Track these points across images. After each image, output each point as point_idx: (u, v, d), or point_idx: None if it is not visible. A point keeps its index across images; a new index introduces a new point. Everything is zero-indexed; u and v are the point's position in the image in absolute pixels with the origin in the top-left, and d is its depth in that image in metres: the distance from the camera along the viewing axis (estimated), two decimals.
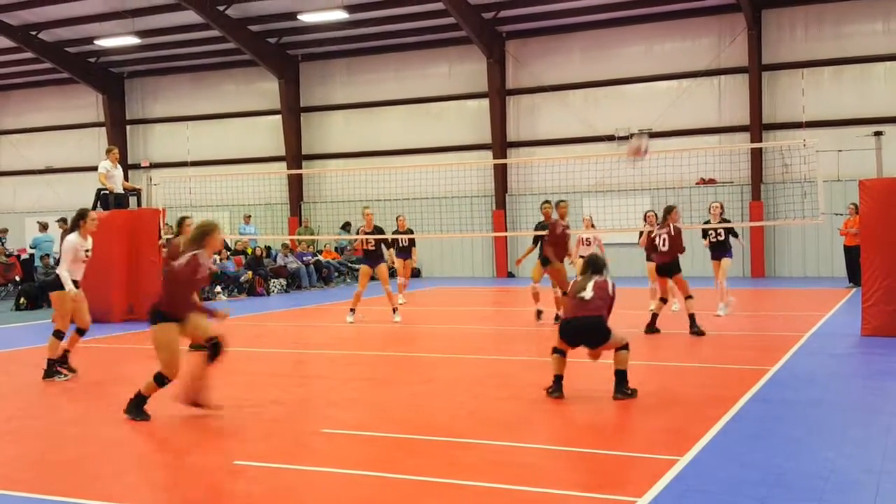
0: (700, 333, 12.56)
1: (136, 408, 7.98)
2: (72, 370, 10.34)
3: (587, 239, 17.90)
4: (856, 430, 7.26)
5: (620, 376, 8.52)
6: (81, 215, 10.58)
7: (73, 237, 10.41)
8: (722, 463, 6.22)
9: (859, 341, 12.05)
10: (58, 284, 10.27)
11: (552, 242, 14.25)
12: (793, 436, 6.99)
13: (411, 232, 19.35)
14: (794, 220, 16.64)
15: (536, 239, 14.95)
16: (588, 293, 8.52)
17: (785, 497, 5.45)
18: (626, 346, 8.57)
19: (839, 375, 9.86)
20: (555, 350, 8.64)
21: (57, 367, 10.23)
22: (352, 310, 15.24)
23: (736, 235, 15.46)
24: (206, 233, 8.11)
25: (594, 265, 8.88)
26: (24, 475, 6.34)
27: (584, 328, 8.50)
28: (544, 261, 14.48)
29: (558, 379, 8.57)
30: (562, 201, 14.55)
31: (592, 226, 19.70)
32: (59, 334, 10.27)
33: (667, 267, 13.22)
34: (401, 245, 18.49)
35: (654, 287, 14.56)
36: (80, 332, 10.52)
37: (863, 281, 12.58)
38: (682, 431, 7.11)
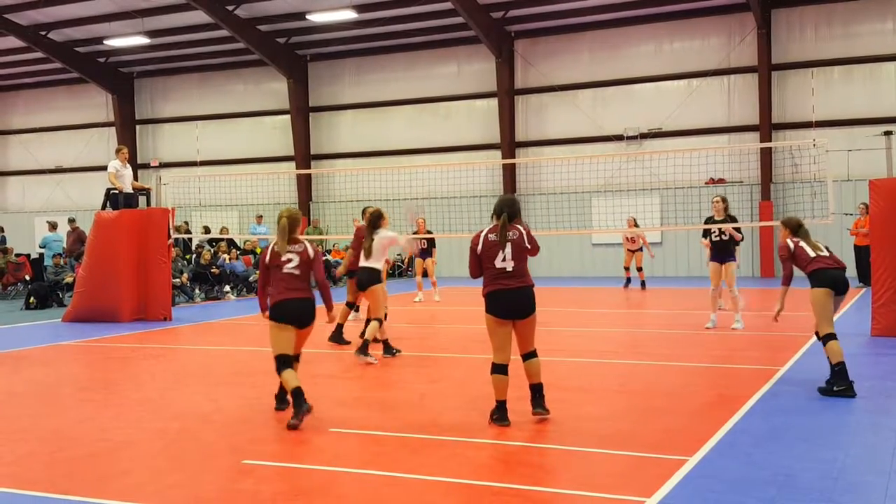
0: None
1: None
2: None
3: (632, 238, 18.61)
4: (865, 430, 7.24)
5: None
6: None
7: None
8: (731, 463, 6.21)
9: (869, 341, 12.01)
10: None
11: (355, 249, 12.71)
12: (802, 436, 6.97)
13: (430, 233, 19.72)
14: (804, 221, 16.58)
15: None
16: (508, 262, 7.42)
17: (794, 497, 5.43)
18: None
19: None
20: (493, 368, 7.52)
21: None
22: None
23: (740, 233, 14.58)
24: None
25: (506, 206, 7.62)
26: (33, 474, 6.36)
27: (514, 300, 7.43)
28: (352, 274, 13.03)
29: (501, 405, 7.49)
30: (367, 207, 12.51)
31: (636, 225, 20.17)
32: None
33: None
34: (421, 247, 19.00)
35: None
36: None
37: (873, 281, 12.54)
38: (691, 431, 7.10)
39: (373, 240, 11.37)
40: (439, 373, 10.56)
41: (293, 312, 7.78)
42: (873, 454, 6.43)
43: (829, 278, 8.69)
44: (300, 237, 8.10)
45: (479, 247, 7.57)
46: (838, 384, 8.40)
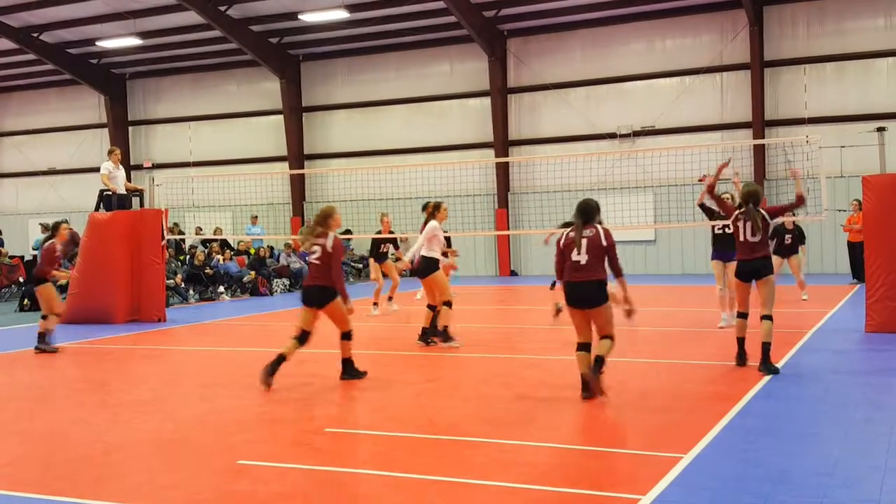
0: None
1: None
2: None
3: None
4: (860, 426, 7.26)
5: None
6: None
7: None
8: (726, 460, 6.22)
9: (863, 337, 12.04)
10: None
11: None
12: (797, 432, 6.99)
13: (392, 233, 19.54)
14: (797, 217, 16.63)
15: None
16: (582, 256, 8.19)
17: (789, 493, 5.44)
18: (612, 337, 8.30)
19: (843, 372, 9.84)
20: (577, 347, 8.37)
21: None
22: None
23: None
24: (328, 215, 9.61)
25: (584, 213, 8.41)
26: (29, 476, 6.35)
27: (581, 291, 8.21)
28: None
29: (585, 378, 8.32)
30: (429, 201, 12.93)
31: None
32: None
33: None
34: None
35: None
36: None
37: (866, 277, 12.57)
38: (687, 428, 7.11)
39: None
40: (435, 373, 10.56)
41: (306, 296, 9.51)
42: (868, 450, 6.44)
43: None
44: (329, 231, 9.46)
45: (562, 242, 8.51)
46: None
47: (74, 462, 6.67)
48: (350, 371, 9.71)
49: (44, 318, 12.88)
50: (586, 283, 8.18)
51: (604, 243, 8.22)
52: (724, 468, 6.02)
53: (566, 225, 9.56)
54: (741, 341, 9.79)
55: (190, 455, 6.87)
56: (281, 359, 9.22)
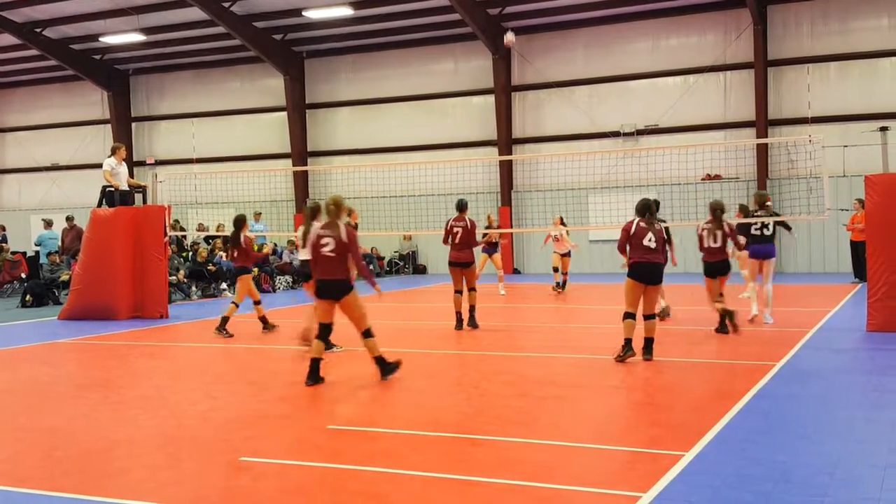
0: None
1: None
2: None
3: (558, 239, 18.80)
4: (861, 425, 7.26)
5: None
6: None
7: None
8: (727, 458, 6.23)
9: (865, 337, 12.04)
10: None
11: None
12: (798, 431, 6.99)
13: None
14: (800, 216, 16.63)
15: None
16: (652, 242, 10.24)
17: (790, 492, 5.45)
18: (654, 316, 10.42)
19: (844, 371, 9.85)
20: (625, 315, 10.23)
21: None
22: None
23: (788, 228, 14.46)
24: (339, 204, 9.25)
25: (649, 209, 10.40)
26: (30, 472, 6.36)
27: (650, 271, 10.24)
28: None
29: (628, 342, 10.16)
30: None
31: (563, 224, 19.60)
32: None
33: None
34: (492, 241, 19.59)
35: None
36: None
37: (868, 276, 12.56)
38: (688, 427, 7.11)
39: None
40: (437, 370, 10.56)
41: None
42: (869, 449, 6.44)
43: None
44: (338, 221, 9.17)
45: (633, 230, 10.34)
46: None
47: (76, 458, 6.69)
48: (385, 368, 9.37)
49: (235, 304, 13.88)
50: (655, 265, 10.27)
51: (663, 236, 10.50)
52: (726, 466, 6.03)
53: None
54: (728, 313, 11.97)
55: (192, 452, 6.88)
56: (316, 363, 9.22)
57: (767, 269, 13.37)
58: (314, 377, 9.16)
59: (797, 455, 6.26)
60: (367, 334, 9.28)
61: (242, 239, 13.85)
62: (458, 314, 13.82)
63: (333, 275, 9.08)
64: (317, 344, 9.30)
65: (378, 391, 9.09)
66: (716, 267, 12.52)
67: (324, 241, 9.07)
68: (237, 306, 13.94)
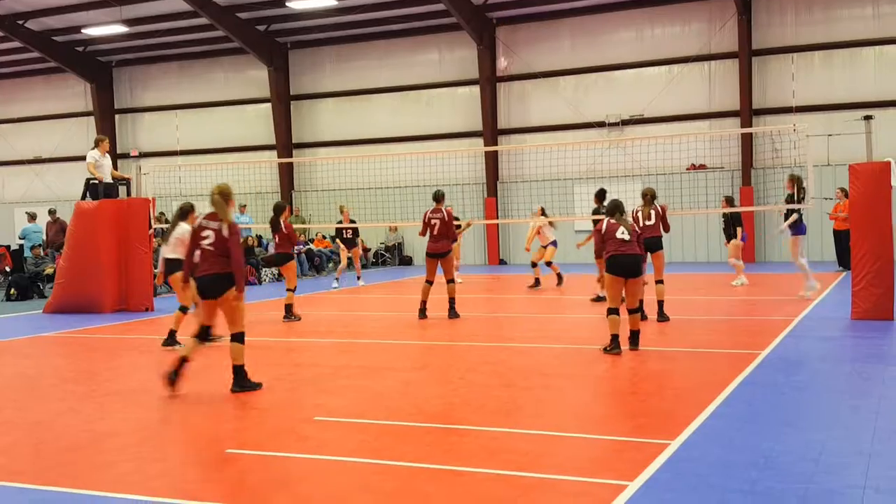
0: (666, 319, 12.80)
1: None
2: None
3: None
4: (845, 412, 7.31)
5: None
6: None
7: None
8: (713, 446, 6.26)
9: (849, 325, 12.11)
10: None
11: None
12: (783, 419, 7.03)
13: (458, 219, 19.47)
14: (785, 205, 16.67)
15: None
16: (626, 234, 10.33)
17: (775, 479, 5.48)
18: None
19: (829, 359, 9.91)
20: (609, 311, 10.18)
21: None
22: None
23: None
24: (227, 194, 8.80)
25: (619, 208, 10.56)
26: (17, 466, 6.33)
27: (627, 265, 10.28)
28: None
29: (615, 338, 10.07)
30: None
31: (544, 214, 19.48)
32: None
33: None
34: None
35: None
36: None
37: (852, 265, 12.63)
38: (674, 415, 7.15)
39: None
40: (423, 360, 10.58)
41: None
42: (853, 436, 6.49)
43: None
44: (226, 214, 8.54)
45: (604, 228, 10.53)
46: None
47: (62, 451, 6.66)
48: (241, 381, 8.53)
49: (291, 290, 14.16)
50: (632, 256, 10.29)
51: (637, 230, 10.63)
52: (711, 454, 6.06)
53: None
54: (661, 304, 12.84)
55: (178, 444, 6.86)
56: (183, 361, 8.48)
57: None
58: (174, 378, 8.43)
59: (782, 443, 6.30)
60: (236, 338, 8.51)
61: (283, 225, 13.89)
62: (424, 303, 14.15)
63: (211, 269, 8.37)
64: (190, 342, 8.63)
65: (364, 382, 9.08)
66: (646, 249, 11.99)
67: (204, 233, 8.42)
68: (293, 291, 14.17)
